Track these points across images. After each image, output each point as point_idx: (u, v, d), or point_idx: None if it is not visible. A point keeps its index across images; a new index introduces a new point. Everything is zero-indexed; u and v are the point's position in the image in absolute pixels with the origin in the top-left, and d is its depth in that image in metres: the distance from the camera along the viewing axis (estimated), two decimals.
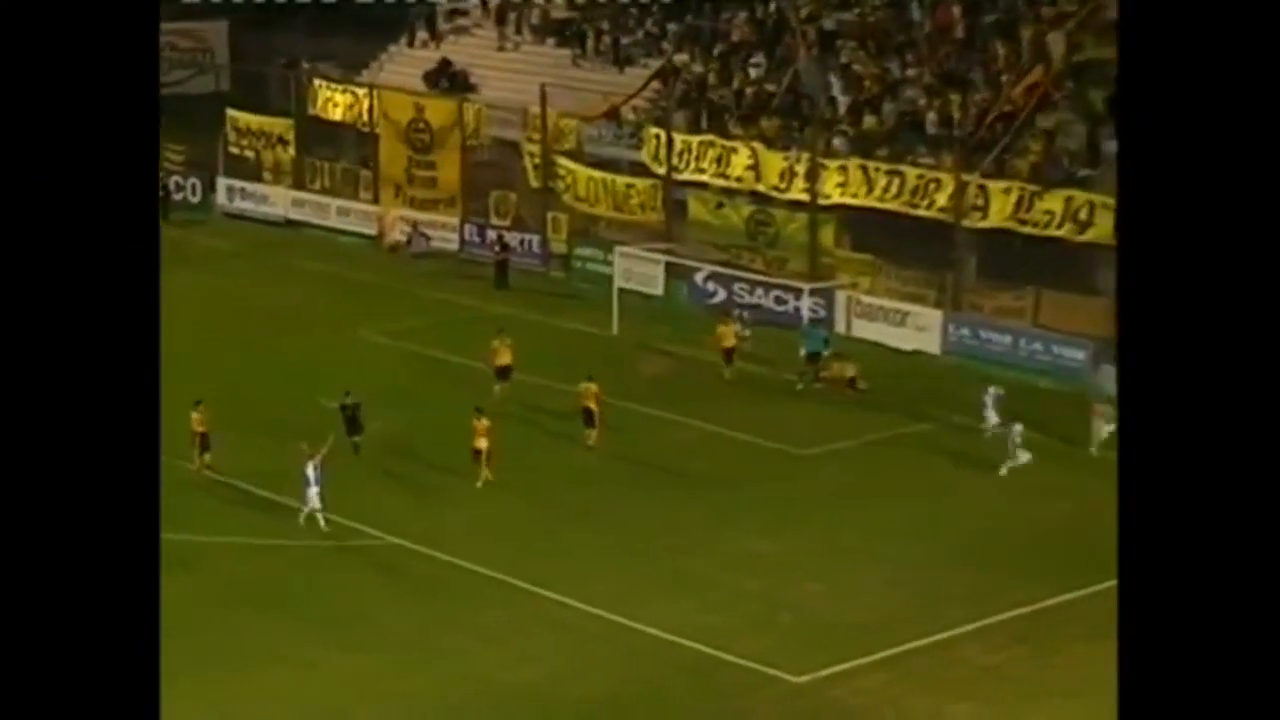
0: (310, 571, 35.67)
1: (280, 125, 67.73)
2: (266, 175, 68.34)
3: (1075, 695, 29.69)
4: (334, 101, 66.77)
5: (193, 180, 68.72)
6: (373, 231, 64.12)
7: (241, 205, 67.81)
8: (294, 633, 32.89)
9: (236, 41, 79.42)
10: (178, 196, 67.92)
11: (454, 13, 72.26)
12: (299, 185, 67.15)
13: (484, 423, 39.97)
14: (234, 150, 68.82)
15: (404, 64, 70.91)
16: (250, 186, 67.92)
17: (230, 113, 69.04)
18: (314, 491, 37.01)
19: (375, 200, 64.78)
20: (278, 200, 67.20)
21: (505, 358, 45.92)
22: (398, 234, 63.18)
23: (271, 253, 62.61)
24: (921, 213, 51.58)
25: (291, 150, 67.47)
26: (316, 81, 68.00)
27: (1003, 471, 40.68)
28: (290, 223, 66.34)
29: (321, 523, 37.02)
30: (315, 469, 37.03)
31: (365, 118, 65.73)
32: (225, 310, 55.40)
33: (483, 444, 39.71)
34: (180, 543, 34.39)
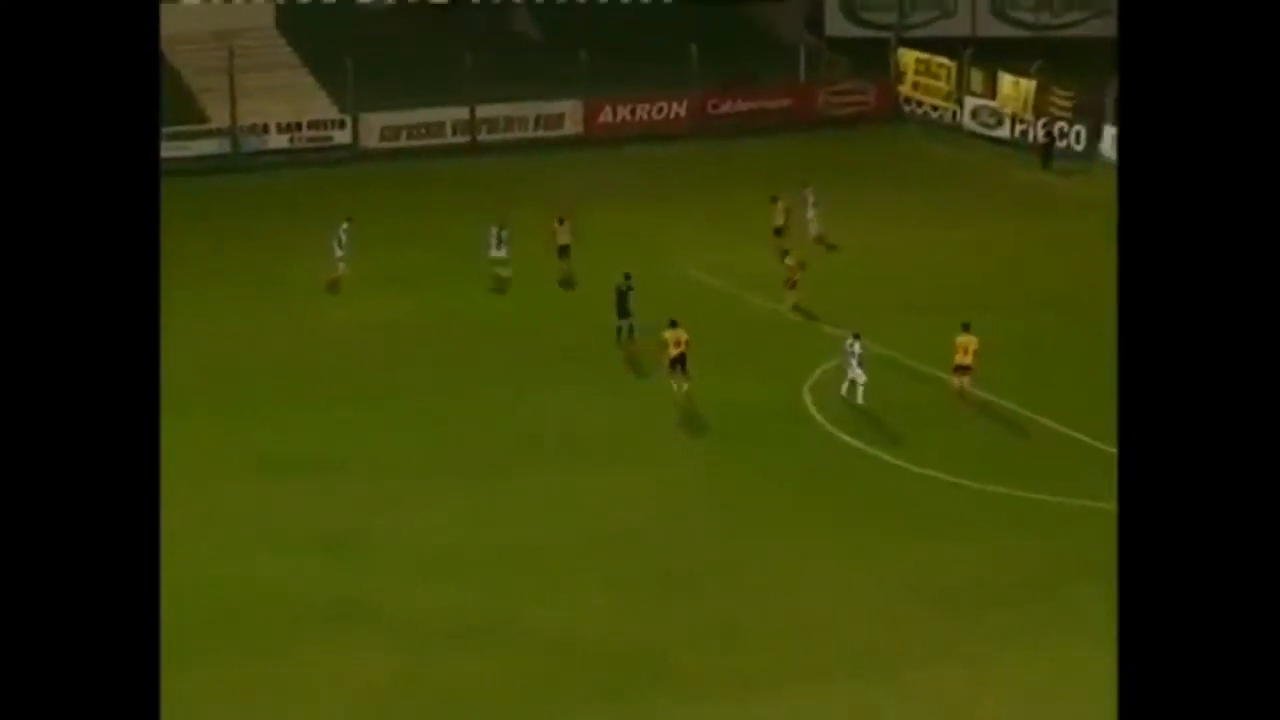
0: None
1: None
2: None
3: None
4: None
5: (1078, 128, 67.11)
6: None
7: None
8: None
9: None
10: (1060, 144, 66.59)
11: None
12: None
13: None
14: None
15: None
16: None
17: None
18: (856, 368, 41.48)
19: None
20: None
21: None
22: None
23: None
24: None
25: None
26: None
27: None
28: None
29: (859, 395, 41.30)
30: (857, 350, 41.44)
31: None
32: (1055, 258, 54.24)
33: None
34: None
